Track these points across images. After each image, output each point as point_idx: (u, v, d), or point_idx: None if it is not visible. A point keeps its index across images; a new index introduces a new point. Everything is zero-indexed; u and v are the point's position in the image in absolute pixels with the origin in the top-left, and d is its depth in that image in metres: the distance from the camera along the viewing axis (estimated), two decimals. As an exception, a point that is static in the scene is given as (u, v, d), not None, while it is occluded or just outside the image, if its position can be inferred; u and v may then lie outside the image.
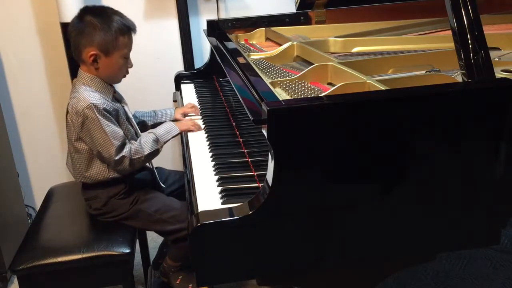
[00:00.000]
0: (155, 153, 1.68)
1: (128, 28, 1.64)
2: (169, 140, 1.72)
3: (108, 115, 1.59)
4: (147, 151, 1.64)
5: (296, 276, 1.24)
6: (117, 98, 1.74)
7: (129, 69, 1.73)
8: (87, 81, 1.64)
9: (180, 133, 1.75)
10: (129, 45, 1.66)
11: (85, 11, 1.63)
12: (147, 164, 1.84)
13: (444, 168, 1.17)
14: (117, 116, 1.65)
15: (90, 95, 1.59)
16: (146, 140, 1.66)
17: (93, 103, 1.56)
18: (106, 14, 1.62)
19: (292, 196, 1.11)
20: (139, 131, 1.79)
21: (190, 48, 2.45)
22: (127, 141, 1.64)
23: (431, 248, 1.27)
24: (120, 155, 1.59)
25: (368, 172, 1.14)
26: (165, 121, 1.96)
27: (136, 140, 1.69)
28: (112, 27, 1.60)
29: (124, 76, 1.73)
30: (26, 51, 2.40)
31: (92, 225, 1.71)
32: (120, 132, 1.61)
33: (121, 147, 1.60)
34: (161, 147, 1.70)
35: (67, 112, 1.65)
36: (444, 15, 1.22)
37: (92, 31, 1.59)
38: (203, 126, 1.79)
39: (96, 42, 1.59)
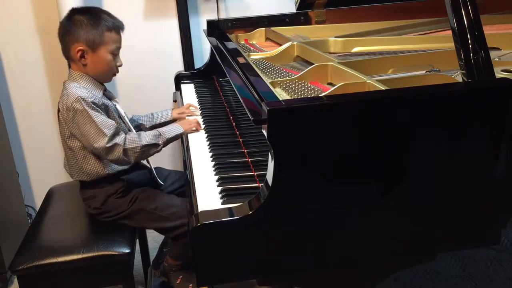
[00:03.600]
0: (153, 146, 1.64)
1: (116, 26, 1.66)
2: (172, 138, 1.69)
3: (97, 108, 1.60)
4: (144, 142, 1.62)
5: (296, 276, 1.24)
6: (108, 96, 1.75)
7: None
8: (77, 78, 1.66)
9: (184, 133, 1.73)
10: (116, 42, 1.67)
11: (74, 11, 1.66)
12: (145, 163, 1.84)
13: (444, 168, 1.17)
14: (106, 111, 1.66)
15: (78, 90, 1.60)
16: (146, 133, 1.66)
17: (80, 96, 1.57)
18: (93, 12, 1.65)
19: (292, 196, 1.11)
20: (133, 129, 1.79)
21: (190, 48, 2.45)
22: (122, 132, 1.63)
23: (431, 248, 1.27)
24: (112, 142, 1.57)
25: (368, 172, 1.14)
26: (163, 122, 1.97)
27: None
28: (98, 23, 1.62)
29: (114, 75, 1.73)
30: (26, 51, 2.40)
31: (92, 225, 1.71)
32: (111, 121, 1.61)
33: (114, 135, 1.59)
34: (164, 143, 1.67)
35: (58, 110, 1.66)
36: (444, 15, 1.22)
37: (79, 28, 1.61)
38: (203, 126, 1.80)
39: (82, 38, 1.61)
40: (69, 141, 1.65)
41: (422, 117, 1.13)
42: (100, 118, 1.58)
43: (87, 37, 1.61)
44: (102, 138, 1.56)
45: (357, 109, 1.10)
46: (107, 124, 1.58)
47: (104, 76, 1.71)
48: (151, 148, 1.65)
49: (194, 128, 1.76)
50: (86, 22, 1.61)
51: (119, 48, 1.69)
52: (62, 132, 1.67)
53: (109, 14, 1.67)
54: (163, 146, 1.69)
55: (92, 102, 1.59)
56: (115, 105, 1.74)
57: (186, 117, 1.91)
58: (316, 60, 1.59)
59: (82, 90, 1.61)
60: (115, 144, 1.58)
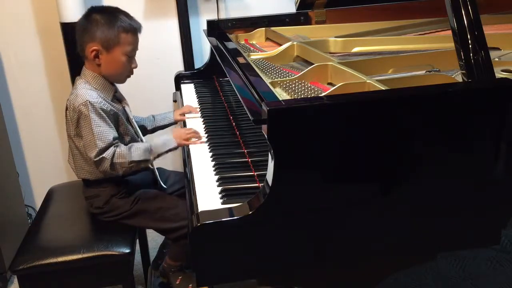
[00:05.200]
0: (143, 162, 1.61)
1: (132, 27, 1.65)
2: (164, 153, 1.65)
3: (104, 114, 1.59)
4: (133, 158, 1.58)
5: (296, 276, 1.24)
6: (118, 98, 1.75)
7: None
8: (89, 78, 1.65)
9: (177, 147, 1.66)
10: (132, 44, 1.66)
11: (92, 10, 1.66)
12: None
13: (444, 168, 1.17)
14: (115, 117, 1.65)
15: (88, 93, 1.59)
16: (137, 147, 1.61)
17: (89, 101, 1.56)
18: (111, 12, 1.64)
19: (292, 196, 1.11)
20: (140, 132, 1.79)
21: (190, 48, 2.45)
22: (119, 143, 1.60)
23: (431, 248, 1.27)
24: (100, 156, 1.55)
25: (368, 172, 1.14)
26: (165, 124, 1.97)
27: (135, 140, 1.69)
28: (115, 24, 1.61)
29: (129, 76, 1.73)
30: (26, 51, 2.40)
31: (92, 225, 1.71)
32: (109, 135, 1.57)
33: (105, 149, 1.56)
34: (154, 158, 1.64)
35: (66, 108, 1.66)
36: (444, 15, 1.22)
37: (95, 27, 1.61)
38: (203, 126, 1.79)
39: (98, 38, 1.61)
40: (75, 139, 1.65)
41: (422, 117, 1.13)
42: (99, 128, 1.56)
43: (102, 37, 1.61)
44: (93, 149, 1.56)
45: (357, 109, 1.10)
46: (102, 136, 1.56)
47: (117, 77, 1.71)
48: (141, 163, 1.62)
49: (190, 139, 1.66)
50: (103, 22, 1.61)
51: (135, 50, 1.69)
52: (68, 130, 1.67)
53: (127, 15, 1.66)
54: (154, 160, 1.66)
55: (101, 108, 1.58)
56: (124, 107, 1.74)
57: (183, 126, 1.85)
58: (316, 60, 1.59)
59: (92, 93, 1.60)
60: (103, 158, 1.56)
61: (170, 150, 1.66)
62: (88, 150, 1.57)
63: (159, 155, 1.65)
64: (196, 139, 1.67)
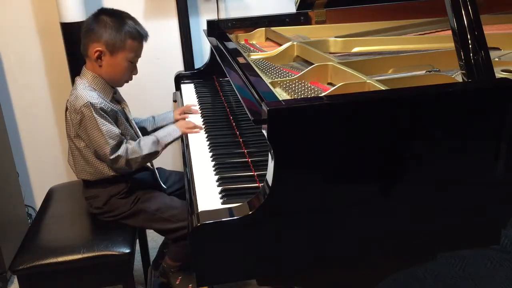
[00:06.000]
0: (153, 154, 1.68)
1: (139, 34, 1.66)
2: (170, 142, 1.72)
3: (105, 114, 1.60)
4: (145, 152, 1.64)
5: (296, 276, 1.24)
6: (117, 100, 1.75)
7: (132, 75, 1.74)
8: (88, 78, 1.66)
9: (182, 135, 1.74)
10: (136, 51, 1.67)
11: (102, 11, 1.66)
12: (148, 164, 1.84)
13: (444, 168, 1.17)
14: (115, 116, 1.66)
15: (88, 93, 1.60)
16: (145, 142, 1.67)
17: (90, 102, 1.57)
18: (120, 16, 1.65)
19: (292, 196, 1.11)
20: (139, 133, 1.79)
21: (190, 48, 2.45)
22: (124, 140, 1.64)
23: (431, 248, 1.27)
24: (116, 154, 1.59)
25: (368, 172, 1.14)
26: (165, 124, 1.97)
27: (135, 141, 1.69)
28: (123, 29, 1.62)
29: (127, 81, 1.73)
30: (26, 51, 2.40)
31: (92, 225, 1.71)
32: (116, 131, 1.61)
33: (117, 146, 1.60)
34: (162, 149, 1.70)
35: (66, 108, 1.66)
36: (444, 15, 1.22)
37: (103, 28, 1.61)
38: (203, 126, 1.79)
39: (104, 39, 1.61)
40: (75, 140, 1.65)
41: (422, 117, 1.13)
42: (106, 126, 1.58)
43: (108, 40, 1.61)
44: (105, 148, 1.58)
45: (357, 109, 1.10)
46: (112, 134, 1.59)
47: (116, 81, 1.71)
48: (151, 156, 1.68)
49: (192, 129, 1.75)
50: (111, 24, 1.61)
51: (138, 57, 1.69)
52: (68, 131, 1.67)
53: (135, 21, 1.67)
54: (162, 151, 1.71)
55: (101, 108, 1.59)
56: (124, 108, 1.75)
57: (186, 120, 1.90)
58: (316, 60, 1.59)
59: (93, 93, 1.61)
60: (118, 156, 1.60)
61: (175, 139, 1.73)
62: (101, 150, 1.59)
63: (166, 145, 1.71)
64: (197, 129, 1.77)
